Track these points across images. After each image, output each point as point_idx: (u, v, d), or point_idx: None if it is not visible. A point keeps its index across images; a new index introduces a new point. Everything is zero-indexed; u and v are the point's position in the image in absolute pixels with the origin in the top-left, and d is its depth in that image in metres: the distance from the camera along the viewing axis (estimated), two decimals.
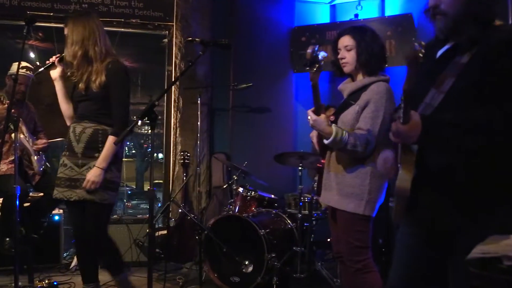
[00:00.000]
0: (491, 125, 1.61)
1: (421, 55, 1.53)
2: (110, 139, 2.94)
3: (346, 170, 2.63)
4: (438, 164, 1.71)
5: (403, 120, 1.62)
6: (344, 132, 2.49)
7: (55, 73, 3.14)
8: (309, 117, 2.58)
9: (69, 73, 3.12)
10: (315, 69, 2.47)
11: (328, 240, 3.59)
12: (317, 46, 2.46)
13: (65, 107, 3.18)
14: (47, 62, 3.13)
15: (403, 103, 1.61)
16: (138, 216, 5.26)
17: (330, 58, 2.82)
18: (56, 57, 3.11)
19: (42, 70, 3.17)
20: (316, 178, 2.95)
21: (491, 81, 1.62)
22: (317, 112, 2.54)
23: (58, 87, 3.16)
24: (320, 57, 2.46)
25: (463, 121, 1.63)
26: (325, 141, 2.53)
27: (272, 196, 4.54)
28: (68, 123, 3.18)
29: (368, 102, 2.57)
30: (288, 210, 4.61)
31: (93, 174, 2.91)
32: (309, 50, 2.45)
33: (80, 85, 3.03)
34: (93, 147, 2.99)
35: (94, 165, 2.94)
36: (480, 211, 1.66)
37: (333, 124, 2.52)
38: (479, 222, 1.66)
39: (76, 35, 2.98)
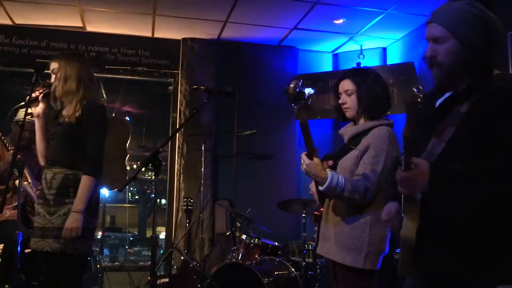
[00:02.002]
0: (500, 175, 1.60)
1: (419, 100, 1.54)
2: (84, 179, 2.71)
3: (344, 219, 2.42)
4: (444, 214, 1.69)
5: (404, 167, 1.61)
6: (340, 178, 2.30)
7: (37, 110, 2.95)
8: (302, 161, 2.40)
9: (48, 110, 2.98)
10: (299, 106, 2.26)
11: None
12: (301, 81, 2.27)
13: (42, 146, 3.00)
14: (32, 96, 2.92)
15: (405, 150, 1.61)
16: (139, 263, 5.19)
17: (333, 104, 2.73)
18: (40, 93, 2.93)
19: (24, 104, 2.98)
20: (316, 228, 2.77)
21: (492, 130, 1.62)
22: (310, 156, 2.35)
23: (39, 124, 2.97)
24: (306, 94, 2.26)
25: (472, 172, 1.62)
26: (320, 188, 2.35)
27: (276, 243, 4.48)
28: (42, 163, 3.01)
29: (368, 147, 2.42)
30: (292, 258, 4.54)
31: (70, 220, 2.64)
32: (291, 85, 2.25)
33: (54, 118, 2.92)
34: (63, 193, 2.75)
35: (64, 212, 2.71)
36: (486, 261, 1.63)
37: (328, 169, 2.35)
38: (486, 272, 1.62)
39: (72, 70, 2.88)
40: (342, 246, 2.40)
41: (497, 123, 1.62)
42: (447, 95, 1.81)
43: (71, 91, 2.85)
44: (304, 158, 2.36)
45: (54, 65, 2.96)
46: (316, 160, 2.34)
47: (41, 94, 2.94)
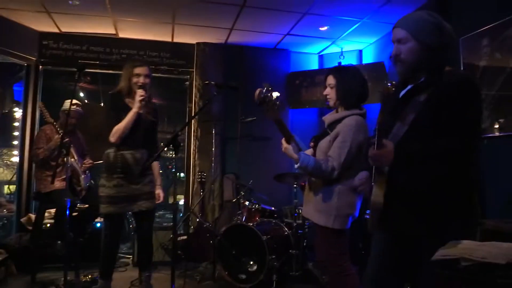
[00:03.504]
0: (449, 152, 1.62)
1: (392, 92, 1.56)
2: (157, 164, 3.32)
3: (320, 189, 2.50)
4: (405, 183, 1.71)
5: (376, 146, 1.64)
6: (311, 160, 2.38)
7: (139, 102, 3.06)
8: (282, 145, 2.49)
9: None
10: (266, 108, 2.28)
11: None
12: (265, 88, 2.27)
13: (126, 131, 3.03)
14: (141, 96, 3.03)
15: (377, 132, 1.64)
16: (163, 224, 5.22)
17: (319, 96, 2.73)
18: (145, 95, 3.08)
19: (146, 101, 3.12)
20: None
21: (444, 116, 1.64)
22: (288, 141, 2.44)
23: (135, 115, 3.05)
24: (274, 97, 2.26)
25: (426, 150, 1.64)
26: (295, 166, 2.43)
27: (273, 208, 4.52)
28: (114, 140, 3.01)
29: (338, 133, 2.46)
30: (285, 220, 4.57)
31: (161, 191, 3.33)
32: (256, 92, 2.25)
33: (142, 115, 3.12)
34: (146, 167, 3.15)
35: (149, 180, 3.16)
36: (439, 221, 1.66)
37: (301, 152, 2.41)
38: (439, 230, 1.65)
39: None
40: (317, 210, 2.48)
41: (448, 110, 1.63)
42: (408, 87, 1.82)
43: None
44: (283, 143, 2.47)
45: (147, 70, 3.15)
46: (290, 146, 2.43)
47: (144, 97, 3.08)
